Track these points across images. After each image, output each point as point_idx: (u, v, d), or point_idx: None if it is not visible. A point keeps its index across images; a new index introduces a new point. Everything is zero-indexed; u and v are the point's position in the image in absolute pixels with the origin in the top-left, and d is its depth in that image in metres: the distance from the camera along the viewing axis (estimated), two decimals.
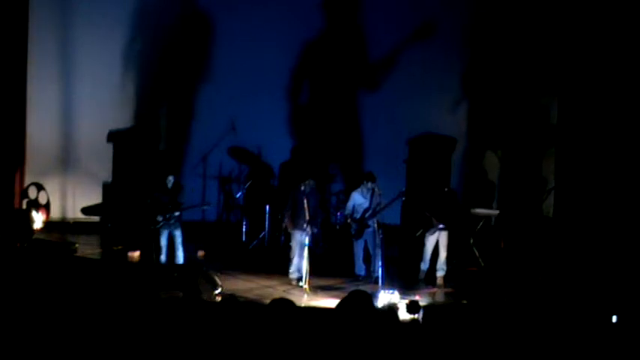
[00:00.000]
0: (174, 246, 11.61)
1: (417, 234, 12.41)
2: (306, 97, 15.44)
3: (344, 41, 15.34)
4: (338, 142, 15.42)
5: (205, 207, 12.82)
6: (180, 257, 11.56)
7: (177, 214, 11.74)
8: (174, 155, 14.31)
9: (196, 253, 13.09)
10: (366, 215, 11.93)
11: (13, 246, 12.01)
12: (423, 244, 12.22)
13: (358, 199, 12.05)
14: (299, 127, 15.40)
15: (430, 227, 12.12)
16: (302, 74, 15.36)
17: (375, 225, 11.84)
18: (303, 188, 11.60)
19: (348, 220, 12.21)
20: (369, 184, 11.92)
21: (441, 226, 12.04)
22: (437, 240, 12.12)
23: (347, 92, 15.45)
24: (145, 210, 11.67)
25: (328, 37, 15.31)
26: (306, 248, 11.37)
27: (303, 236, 11.49)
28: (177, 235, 11.61)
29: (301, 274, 11.41)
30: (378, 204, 11.89)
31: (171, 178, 11.74)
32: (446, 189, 12.28)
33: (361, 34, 15.39)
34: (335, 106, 15.41)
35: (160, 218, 11.49)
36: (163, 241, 11.57)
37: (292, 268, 11.63)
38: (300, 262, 11.50)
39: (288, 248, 12.09)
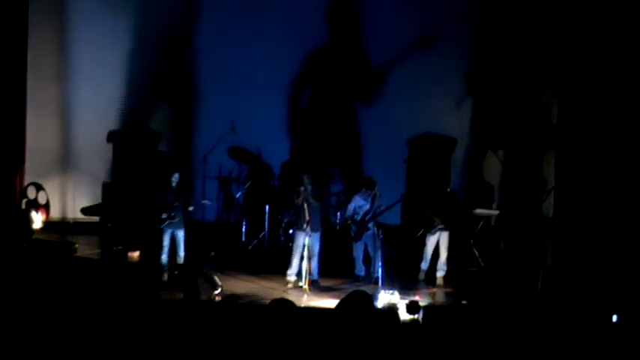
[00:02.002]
0: (175, 245, 11.57)
1: (418, 234, 12.41)
2: (306, 97, 15.44)
3: (345, 41, 15.33)
4: (338, 143, 15.42)
5: (208, 203, 12.74)
6: (181, 257, 11.52)
7: (191, 209, 11.72)
8: (174, 155, 14.29)
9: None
10: (366, 218, 11.93)
11: (13, 246, 12.00)
12: (423, 244, 12.23)
13: (359, 202, 12.06)
14: (299, 128, 15.40)
15: (431, 227, 12.14)
16: (302, 74, 15.35)
17: (375, 228, 11.85)
18: (303, 188, 11.58)
19: (348, 222, 12.22)
20: (369, 191, 11.94)
21: (441, 226, 12.07)
22: (437, 240, 12.13)
23: (347, 92, 15.44)
24: (150, 209, 11.60)
25: (329, 37, 15.30)
26: (306, 249, 11.36)
27: (304, 237, 11.48)
28: (181, 235, 11.54)
29: (299, 276, 11.41)
30: (379, 207, 11.91)
31: (176, 176, 11.65)
32: (448, 189, 12.28)
33: (362, 35, 15.38)
34: (335, 106, 15.41)
35: (164, 216, 11.44)
36: (166, 241, 11.51)
37: (290, 270, 11.60)
38: (299, 264, 11.49)
39: (288, 248, 12.08)
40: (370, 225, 11.91)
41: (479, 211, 13.15)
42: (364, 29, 15.34)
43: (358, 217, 12.02)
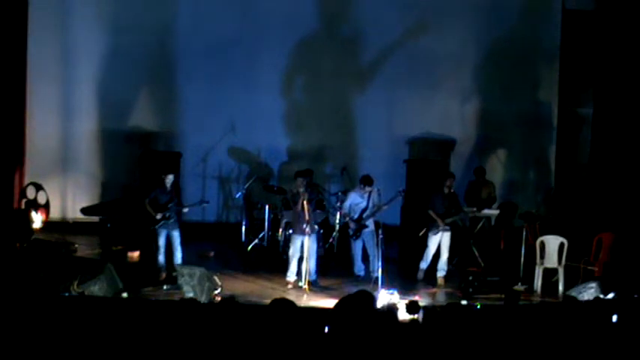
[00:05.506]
0: (172, 246, 11.55)
1: (421, 234, 12.38)
2: (306, 97, 15.43)
3: (344, 40, 15.34)
4: (338, 142, 15.42)
5: (204, 204, 12.68)
6: (178, 258, 11.50)
7: (185, 210, 11.72)
8: (174, 155, 14.29)
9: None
10: (364, 215, 11.91)
11: (13, 246, 12.00)
12: (425, 244, 12.20)
13: (355, 199, 12.02)
14: (299, 127, 15.40)
15: (434, 227, 12.10)
16: (302, 74, 15.36)
17: (373, 225, 11.83)
18: (298, 190, 11.56)
19: (346, 219, 12.19)
20: (366, 187, 11.90)
21: (445, 227, 12.05)
22: (440, 240, 12.10)
23: (347, 92, 15.45)
24: (144, 210, 11.58)
25: (328, 36, 15.31)
26: (306, 249, 11.35)
27: (302, 239, 11.46)
28: (176, 235, 11.52)
29: (299, 276, 11.41)
30: (377, 205, 11.87)
31: (170, 177, 11.65)
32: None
33: (362, 33, 15.38)
34: (335, 106, 15.41)
35: (159, 217, 11.43)
36: (161, 242, 11.49)
37: (289, 271, 11.58)
38: (298, 265, 11.48)
39: (286, 252, 12.06)
40: (369, 222, 11.89)
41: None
42: (365, 26, 15.34)
43: (355, 215, 12.00)
